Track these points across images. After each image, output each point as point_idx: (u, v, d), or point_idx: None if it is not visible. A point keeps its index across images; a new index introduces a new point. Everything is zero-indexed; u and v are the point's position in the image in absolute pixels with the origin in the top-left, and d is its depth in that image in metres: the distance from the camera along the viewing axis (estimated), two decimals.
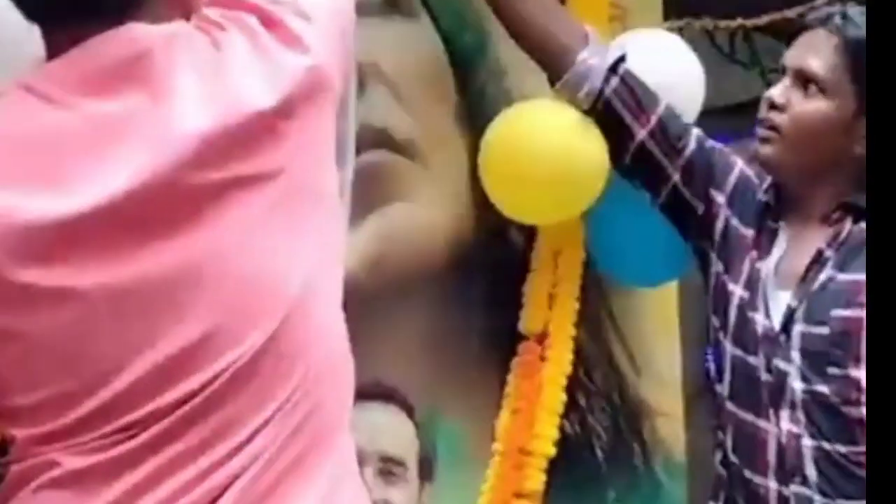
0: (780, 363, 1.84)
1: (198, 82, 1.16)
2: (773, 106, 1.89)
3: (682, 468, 2.64)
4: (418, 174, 2.17)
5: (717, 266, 1.96)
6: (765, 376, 1.85)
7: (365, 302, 1.91)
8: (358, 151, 2.06)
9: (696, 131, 2.02)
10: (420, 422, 2.05)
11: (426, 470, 2.07)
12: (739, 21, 2.91)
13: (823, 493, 1.82)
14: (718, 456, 1.98)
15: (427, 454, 2.07)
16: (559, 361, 2.26)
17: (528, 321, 2.25)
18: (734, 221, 1.95)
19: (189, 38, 1.18)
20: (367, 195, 2.03)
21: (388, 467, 1.95)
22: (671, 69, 2.13)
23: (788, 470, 1.83)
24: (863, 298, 1.80)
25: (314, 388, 1.22)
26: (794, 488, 1.83)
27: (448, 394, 2.23)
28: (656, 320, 2.57)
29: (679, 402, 2.66)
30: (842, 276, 1.85)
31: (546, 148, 1.99)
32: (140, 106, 1.15)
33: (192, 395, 1.15)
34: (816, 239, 1.88)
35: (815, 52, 1.89)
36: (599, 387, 2.47)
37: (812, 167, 1.90)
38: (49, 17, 1.18)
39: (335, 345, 1.28)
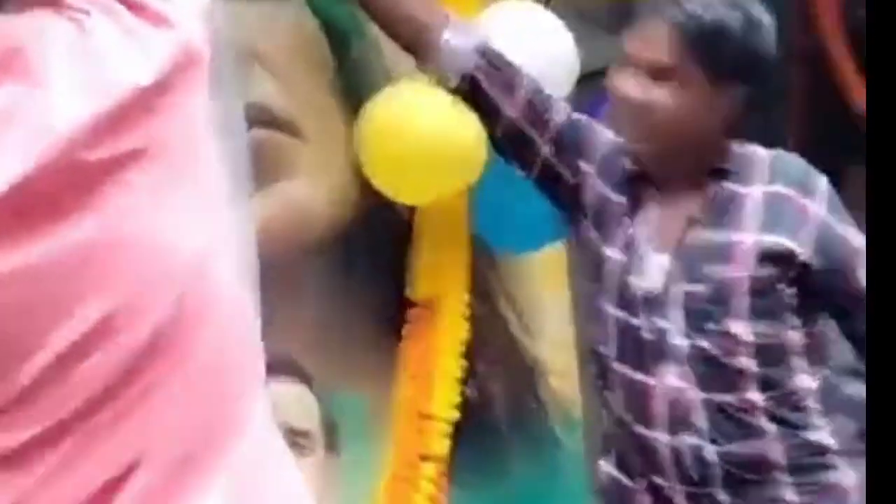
0: (660, 322, 1.90)
1: (71, 69, 1.18)
2: (621, 98, 1.92)
3: (578, 425, 2.71)
4: (300, 150, 2.19)
5: (592, 233, 2.01)
6: (648, 336, 1.91)
7: (260, 277, 1.94)
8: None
9: (563, 105, 2.07)
10: (319, 393, 2.09)
11: (331, 441, 2.11)
12: None
13: (713, 441, 1.89)
14: (607, 414, 2.05)
15: (330, 425, 2.11)
16: (453, 326, 2.30)
17: (416, 287, 2.29)
18: (605, 190, 1.99)
19: (55, 26, 1.20)
20: (252, 174, 2.05)
21: (294, 440, 1.99)
22: (541, 44, 2.17)
23: (679, 422, 1.90)
24: (737, 256, 1.88)
25: (219, 358, 1.25)
26: (686, 439, 1.89)
27: (345, 365, 2.26)
28: (546, 283, 2.63)
29: (573, 361, 2.72)
30: (714, 236, 1.91)
31: (423, 131, 2.02)
32: (19, 97, 1.17)
33: (105, 370, 1.18)
34: (688, 202, 1.94)
35: (650, 41, 1.90)
36: (495, 351, 2.52)
37: (675, 145, 1.94)
38: None
39: (236, 311, 1.31)
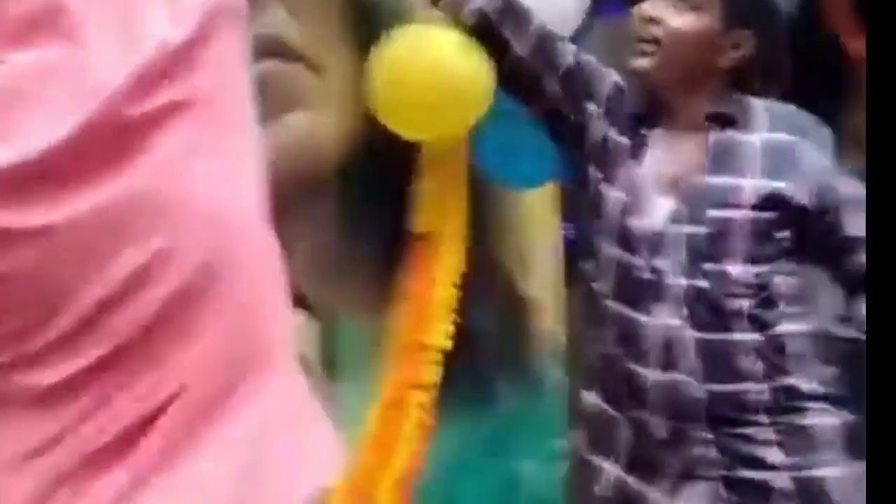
0: (660, 262, 1.97)
1: (110, 25, 1.23)
2: (646, 20, 2.01)
3: (560, 353, 2.79)
4: (311, 82, 2.22)
5: (594, 174, 2.07)
6: (647, 275, 1.98)
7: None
8: (254, 61, 2.12)
9: (571, 47, 2.12)
10: (322, 322, 2.15)
11: (331, 369, 2.17)
12: None
13: (704, 378, 1.96)
14: (595, 348, 2.11)
15: (330, 355, 2.18)
16: (450, 259, 2.35)
17: (420, 222, 2.34)
18: (610, 132, 2.06)
19: None
20: (264, 105, 2.07)
21: None
22: None
23: (671, 360, 1.97)
24: (737, 200, 1.96)
25: (250, 298, 1.31)
26: (676, 375, 1.97)
27: (348, 295, 2.31)
28: (539, 220, 2.68)
29: (559, 295, 2.79)
30: (715, 180, 1.98)
31: (430, 68, 2.07)
32: (61, 57, 1.21)
33: (146, 313, 1.24)
34: (690, 145, 2.01)
35: None
36: (488, 283, 2.58)
37: (684, 79, 2.02)
38: None
39: (264, 252, 1.36)
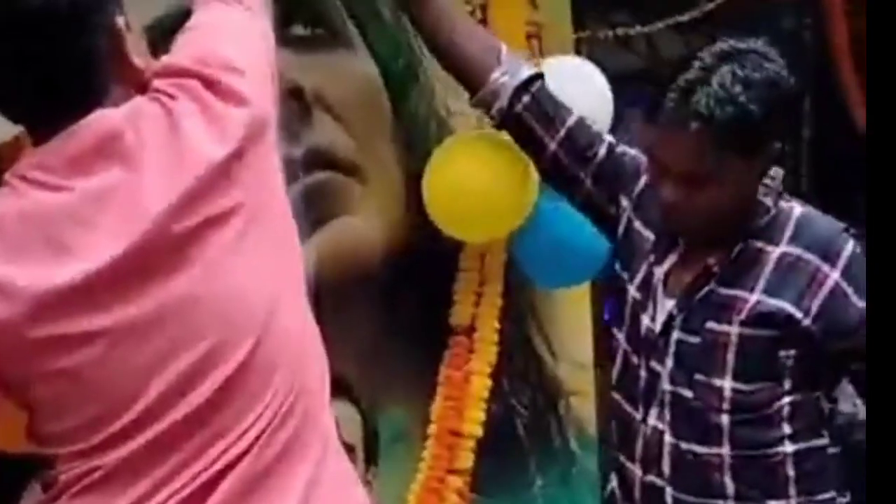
0: (655, 365, 1.92)
1: (160, 151, 1.39)
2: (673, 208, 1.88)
3: (593, 441, 2.87)
4: (359, 190, 2.37)
5: (619, 266, 2.04)
6: (643, 374, 1.95)
7: (314, 306, 2.12)
8: (307, 172, 2.29)
9: (607, 139, 2.09)
10: (364, 411, 2.29)
11: (371, 454, 2.31)
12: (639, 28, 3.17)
13: (675, 486, 1.92)
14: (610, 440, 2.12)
15: (371, 440, 2.31)
16: (486, 352, 2.49)
17: (458, 316, 2.48)
18: (637, 224, 2.01)
19: (148, 111, 1.40)
20: (315, 211, 2.24)
21: None
22: (580, 93, 2.31)
23: (650, 461, 1.95)
24: (737, 314, 1.86)
25: (295, 381, 1.46)
26: (652, 478, 1.94)
27: (389, 385, 2.45)
28: (571, 309, 2.81)
29: (591, 382, 2.89)
30: (723, 291, 1.88)
31: (482, 186, 2.21)
32: (120, 178, 1.37)
33: (200, 404, 1.39)
34: (710, 253, 1.91)
35: (682, 152, 1.83)
36: (520, 371, 2.71)
37: (721, 227, 1.91)
38: (30, 118, 1.39)
39: (308, 341, 1.51)
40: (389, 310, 2.44)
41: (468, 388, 2.46)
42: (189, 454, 1.40)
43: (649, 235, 1.99)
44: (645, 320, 1.95)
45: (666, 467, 1.93)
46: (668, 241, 1.96)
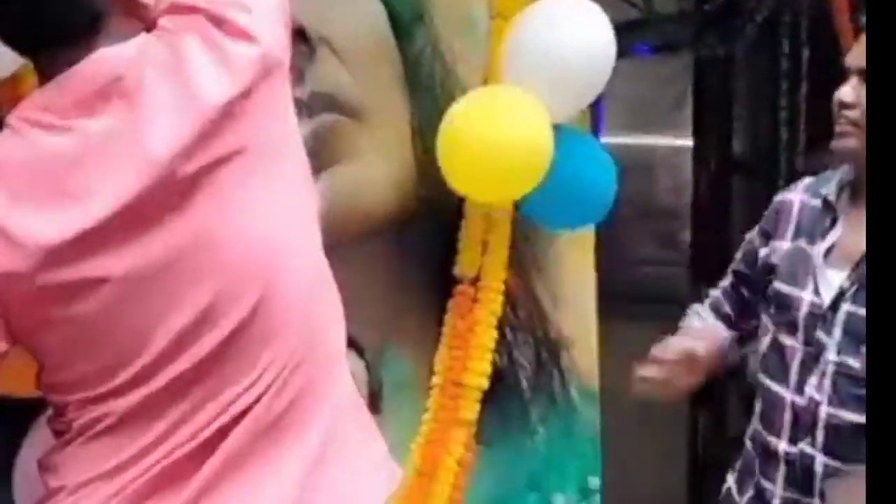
0: (822, 336, 2.00)
1: (165, 91, 1.34)
2: (844, 105, 2.03)
3: (594, 394, 2.87)
4: (364, 134, 2.32)
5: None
6: (802, 348, 2.03)
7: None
8: (311, 115, 2.23)
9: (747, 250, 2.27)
10: (369, 361, 2.25)
11: (375, 403, 2.27)
12: None
13: (826, 454, 1.99)
14: (748, 430, 2.17)
15: (375, 390, 2.27)
16: (491, 302, 2.45)
17: (463, 266, 2.43)
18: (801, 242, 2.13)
19: (152, 49, 1.35)
20: (319, 155, 2.18)
21: None
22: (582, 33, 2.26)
23: (801, 431, 2.01)
24: None
25: (308, 325, 1.42)
26: (802, 447, 2.01)
27: (393, 334, 2.41)
28: (575, 260, 2.77)
29: (593, 332, 2.88)
30: None
31: (501, 143, 2.14)
32: (124, 120, 1.33)
33: (212, 348, 1.35)
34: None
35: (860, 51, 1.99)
36: (524, 322, 2.68)
37: None
38: (25, 43, 1.34)
39: (321, 285, 1.47)
40: (394, 258, 2.40)
41: (473, 338, 2.42)
42: (202, 399, 1.37)
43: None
44: (805, 295, 2.03)
45: (820, 436, 2.00)
46: (830, 224, 2.06)
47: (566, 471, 2.79)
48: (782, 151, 3.99)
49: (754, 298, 2.23)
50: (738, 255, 2.31)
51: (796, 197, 2.19)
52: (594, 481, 2.83)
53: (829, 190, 2.12)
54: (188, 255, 1.34)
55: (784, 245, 2.15)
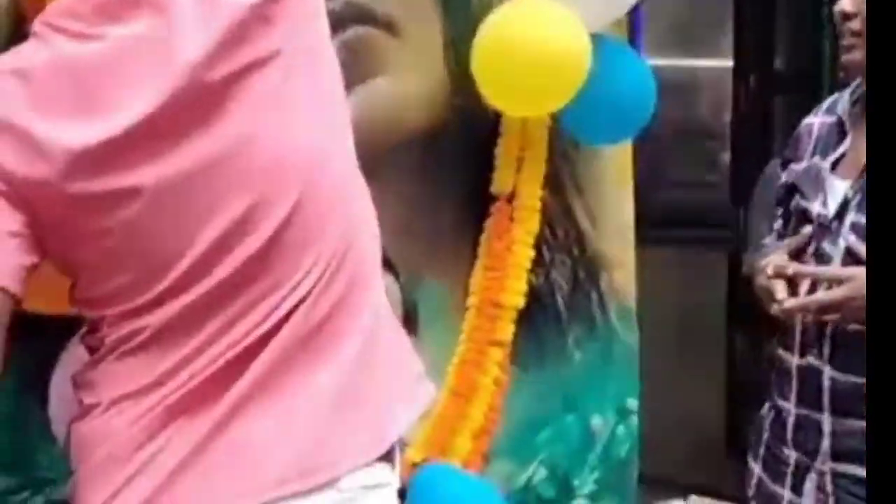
0: (827, 247, 1.98)
1: None
2: (846, 16, 2.00)
3: (632, 312, 2.82)
4: (397, 48, 2.26)
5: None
6: (812, 261, 2.00)
7: None
8: (343, 27, 2.17)
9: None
10: (403, 281, 2.21)
11: (410, 325, 2.23)
12: None
13: (834, 367, 1.97)
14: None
15: (410, 311, 2.24)
16: (528, 220, 2.40)
17: (499, 183, 2.37)
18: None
19: None
20: (351, 69, 2.12)
21: None
22: None
23: (808, 343, 2.00)
24: None
25: (344, 238, 1.38)
26: (810, 359, 2.00)
27: (428, 256, 2.37)
28: (613, 176, 2.71)
29: (631, 254, 2.82)
30: None
31: (538, 54, 2.08)
32: (153, 27, 1.28)
33: (246, 259, 1.31)
34: None
35: None
36: (561, 242, 2.63)
37: None
38: None
39: (357, 199, 1.43)
40: (428, 177, 2.34)
41: (509, 257, 2.37)
42: (238, 311, 1.34)
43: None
44: (815, 207, 2.02)
45: (826, 348, 1.99)
46: (840, 133, 2.06)
47: (604, 392, 2.76)
48: (825, 68, 3.90)
49: None
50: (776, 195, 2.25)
51: (816, 119, 2.18)
52: (632, 402, 2.80)
53: (844, 106, 2.10)
54: (223, 162, 1.30)
55: (801, 165, 2.13)
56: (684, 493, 3.12)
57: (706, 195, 4.63)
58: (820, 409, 2.00)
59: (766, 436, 2.15)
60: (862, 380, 1.93)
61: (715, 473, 3.45)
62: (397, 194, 2.28)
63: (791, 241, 2.10)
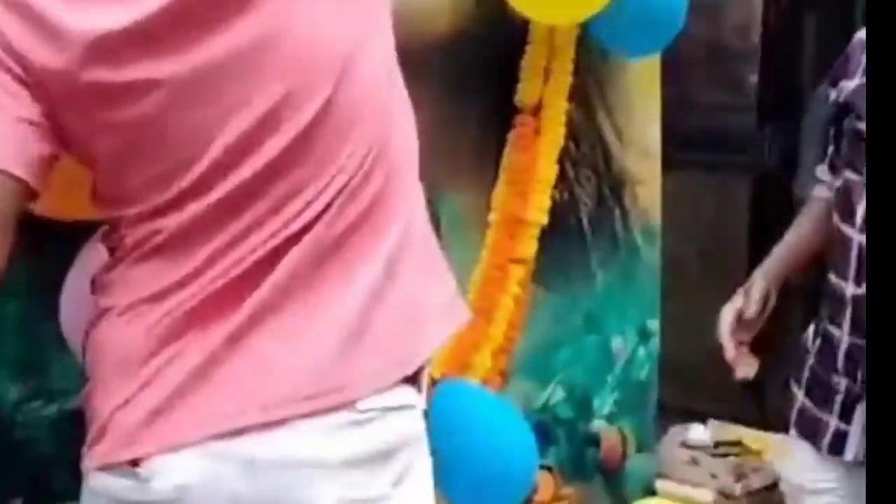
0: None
1: None
2: None
3: (656, 232, 2.77)
4: None
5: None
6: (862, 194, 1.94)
7: None
8: None
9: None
10: (425, 190, 2.15)
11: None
12: None
13: None
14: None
15: (434, 225, 2.18)
16: (552, 134, 2.33)
17: (525, 94, 2.31)
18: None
19: None
20: None
21: None
22: None
23: (863, 271, 1.94)
24: None
25: (377, 139, 1.32)
26: (856, 339, 1.95)
27: (452, 168, 2.31)
28: (641, 93, 2.64)
29: (657, 171, 2.76)
30: None
31: None
32: None
33: (271, 158, 1.25)
34: None
35: None
36: (587, 157, 2.56)
37: None
38: None
39: (393, 99, 1.36)
40: (453, 85, 2.27)
41: (533, 171, 2.31)
42: (262, 213, 1.28)
43: None
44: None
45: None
46: None
47: (625, 313, 2.71)
48: None
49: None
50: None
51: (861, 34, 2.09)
52: (653, 324, 2.76)
53: None
54: (251, 56, 1.24)
55: (852, 83, 2.04)
56: (703, 418, 3.09)
57: (733, 118, 4.54)
58: None
59: (811, 361, 2.11)
60: None
61: (737, 401, 3.42)
62: (419, 104, 2.21)
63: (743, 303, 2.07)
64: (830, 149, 2.13)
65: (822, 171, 2.15)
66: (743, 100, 4.50)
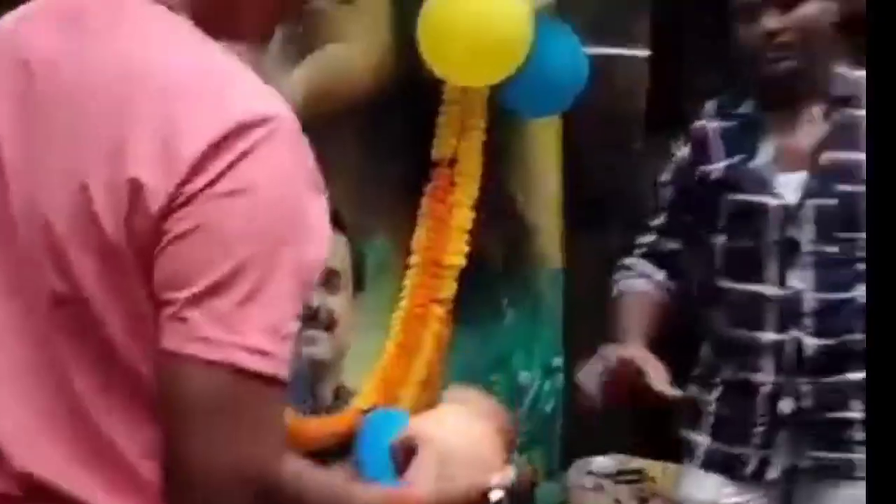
0: (793, 232, 2.16)
1: None
2: (773, 34, 2.15)
3: (558, 276, 3.01)
4: (349, 16, 2.38)
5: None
6: (774, 248, 2.17)
7: (305, 132, 2.14)
8: None
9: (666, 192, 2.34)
10: (351, 238, 2.33)
11: (359, 280, 2.36)
12: None
13: (817, 335, 2.16)
14: (711, 334, 2.29)
15: (358, 267, 2.37)
16: (467, 186, 2.53)
17: (441, 148, 2.51)
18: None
19: None
20: (307, 37, 2.25)
21: (329, 278, 2.24)
22: None
23: (787, 320, 2.16)
24: (861, 174, 2.11)
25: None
26: (794, 333, 2.16)
27: (374, 214, 2.50)
28: (542, 148, 2.87)
29: (557, 220, 3.00)
30: (842, 155, 2.17)
31: (482, 25, 2.24)
32: None
33: None
34: (814, 125, 2.20)
35: None
36: (496, 206, 2.77)
37: (806, 66, 2.19)
38: None
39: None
40: (376, 139, 2.47)
41: (451, 219, 2.51)
42: None
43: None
44: (767, 200, 2.16)
45: (808, 321, 2.15)
46: (756, 135, 2.21)
47: (531, 351, 2.92)
48: None
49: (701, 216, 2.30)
50: (666, 194, 2.37)
51: (709, 124, 2.31)
52: (558, 360, 2.97)
53: (747, 108, 2.26)
54: None
55: (720, 164, 2.26)
56: (605, 451, 3.29)
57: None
58: (802, 374, 2.18)
59: (711, 408, 2.28)
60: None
61: (641, 433, 3.62)
62: (346, 156, 2.40)
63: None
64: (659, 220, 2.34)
65: (641, 263, 2.35)
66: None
